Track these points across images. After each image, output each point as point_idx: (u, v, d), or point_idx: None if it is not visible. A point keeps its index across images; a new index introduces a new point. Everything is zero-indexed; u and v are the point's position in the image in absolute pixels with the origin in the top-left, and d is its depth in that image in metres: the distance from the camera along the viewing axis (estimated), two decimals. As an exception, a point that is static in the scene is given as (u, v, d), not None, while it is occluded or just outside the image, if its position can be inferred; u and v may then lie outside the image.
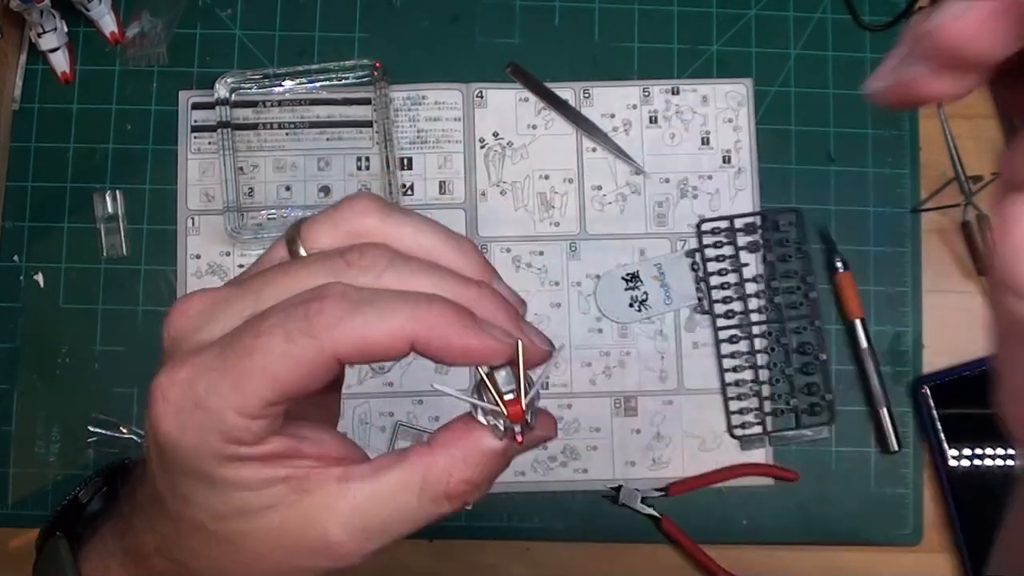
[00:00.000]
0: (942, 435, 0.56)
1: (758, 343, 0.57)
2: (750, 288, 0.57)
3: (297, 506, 0.23)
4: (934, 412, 0.56)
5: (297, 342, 0.21)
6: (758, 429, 0.57)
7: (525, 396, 0.23)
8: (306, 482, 0.23)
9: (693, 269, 0.57)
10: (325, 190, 0.57)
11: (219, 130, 0.56)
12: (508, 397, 0.23)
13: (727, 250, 0.58)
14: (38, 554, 0.32)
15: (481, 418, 0.24)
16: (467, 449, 0.24)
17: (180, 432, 0.22)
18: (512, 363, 0.23)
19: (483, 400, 0.23)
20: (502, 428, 0.24)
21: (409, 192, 0.57)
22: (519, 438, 0.24)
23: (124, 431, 0.56)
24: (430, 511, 0.24)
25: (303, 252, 0.25)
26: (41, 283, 0.57)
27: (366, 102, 0.57)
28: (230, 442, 0.22)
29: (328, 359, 0.22)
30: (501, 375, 0.23)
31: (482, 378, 0.23)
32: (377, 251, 0.23)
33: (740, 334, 0.57)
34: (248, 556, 0.24)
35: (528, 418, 0.24)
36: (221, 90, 0.56)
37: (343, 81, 0.57)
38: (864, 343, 0.57)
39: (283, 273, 0.24)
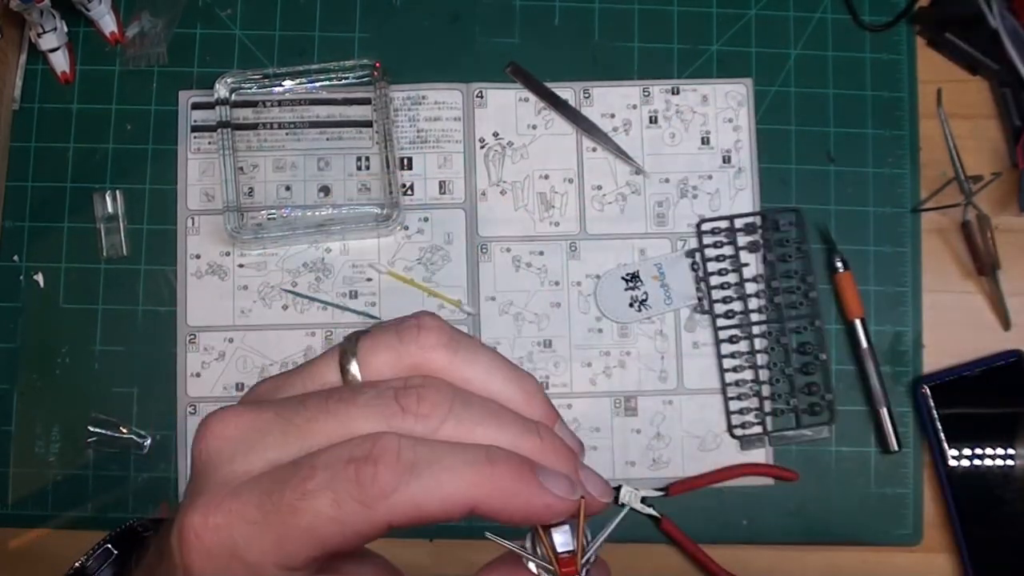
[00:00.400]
0: (942, 435, 0.56)
1: (758, 343, 0.57)
2: (750, 288, 0.57)
3: None
4: (934, 412, 0.56)
5: (346, 508, 0.20)
6: (758, 429, 0.57)
7: (582, 555, 0.23)
8: None
9: (693, 269, 0.57)
10: (325, 190, 0.57)
11: (219, 130, 0.56)
12: (563, 553, 0.23)
13: (727, 250, 0.58)
14: None
15: (534, 568, 0.23)
16: None
17: (201, 563, 0.21)
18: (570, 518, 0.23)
19: (537, 554, 0.23)
20: None
21: (409, 192, 0.57)
22: None
23: (124, 431, 0.56)
24: None
25: (358, 376, 0.23)
26: (41, 283, 0.57)
27: (366, 102, 0.57)
28: None
29: (381, 526, 0.20)
30: (557, 532, 0.23)
31: (537, 533, 0.23)
32: (437, 396, 0.22)
33: (740, 334, 0.57)
34: None
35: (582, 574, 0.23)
36: (221, 90, 0.56)
37: (343, 81, 0.57)
38: (864, 343, 0.57)
39: (332, 413, 0.22)
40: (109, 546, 0.33)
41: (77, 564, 0.32)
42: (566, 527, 0.23)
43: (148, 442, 0.56)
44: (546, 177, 0.58)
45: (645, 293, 0.57)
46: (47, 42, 0.56)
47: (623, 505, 0.25)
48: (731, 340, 0.57)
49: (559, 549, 0.22)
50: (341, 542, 0.20)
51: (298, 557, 0.20)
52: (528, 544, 0.23)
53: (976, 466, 0.56)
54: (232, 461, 0.22)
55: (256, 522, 0.20)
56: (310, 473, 0.20)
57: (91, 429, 0.56)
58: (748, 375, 0.57)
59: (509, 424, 0.22)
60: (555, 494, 0.21)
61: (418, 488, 0.20)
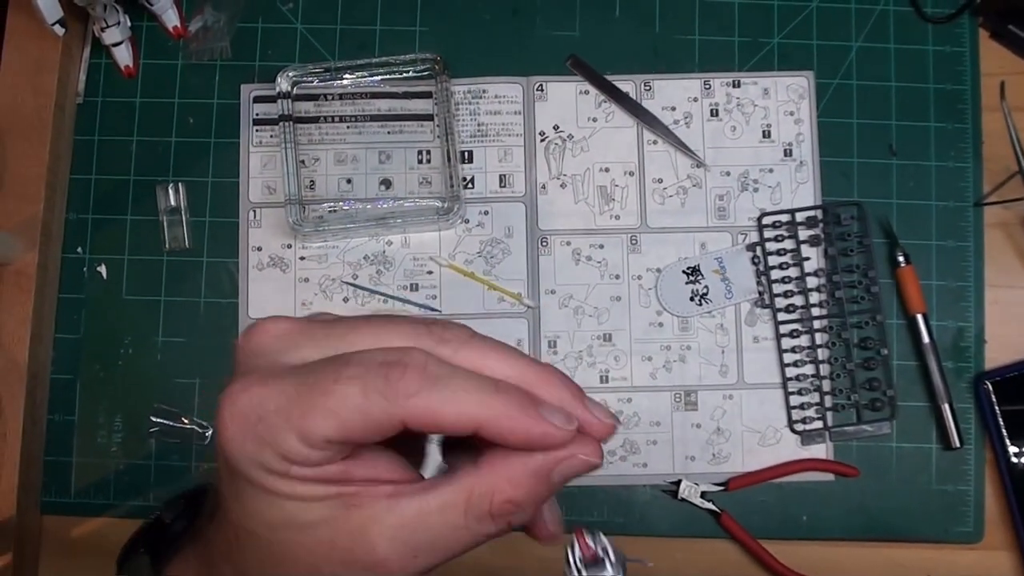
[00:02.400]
0: (1004, 431, 0.56)
1: (819, 338, 0.57)
2: (811, 282, 0.57)
3: (347, 521, 0.24)
4: (996, 408, 0.56)
5: (372, 399, 0.22)
6: (818, 424, 0.56)
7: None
8: (356, 499, 0.24)
9: (754, 263, 0.57)
10: (386, 183, 0.57)
11: (281, 123, 0.56)
12: None
13: (788, 244, 0.57)
14: (119, 570, 0.32)
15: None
16: (512, 470, 0.24)
17: (241, 439, 0.23)
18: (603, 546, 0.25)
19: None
20: None
21: (470, 186, 0.57)
22: None
23: (186, 421, 0.57)
24: (476, 530, 0.24)
25: None
26: (104, 275, 0.58)
27: (427, 95, 0.58)
28: (284, 459, 0.23)
29: (396, 423, 0.23)
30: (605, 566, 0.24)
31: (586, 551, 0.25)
32: (458, 329, 0.25)
33: (801, 328, 0.57)
34: (300, 567, 0.25)
35: None
36: (283, 83, 0.56)
37: (404, 75, 0.57)
38: (926, 338, 0.56)
39: (370, 325, 0.25)
40: (182, 500, 0.34)
41: (154, 517, 0.34)
42: (607, 555, 0.24)
43: (209, 432, 0.57)
44: (606, 170, 0.58)
45: (706, 287, 0.57)
46: (110, 36, 0.57)
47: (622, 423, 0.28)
48: (792, 335, 0.57)
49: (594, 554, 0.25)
50: (358, 429, 0.23)
51: (317, 433, 0.22)
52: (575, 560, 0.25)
53: (1041, 463, 0.55)
54: (277, 353, 0.25)
55: (289, 395, 0.23)
56: (346, 364, 0.23)
57: (153, 419, 0.57)
58: (809, 370, 0.57)
59: (518, 361, 0.25)
60: (552, 423, 0.24)
61: (436, 397, 0.23)
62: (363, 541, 0.24)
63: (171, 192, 0.58)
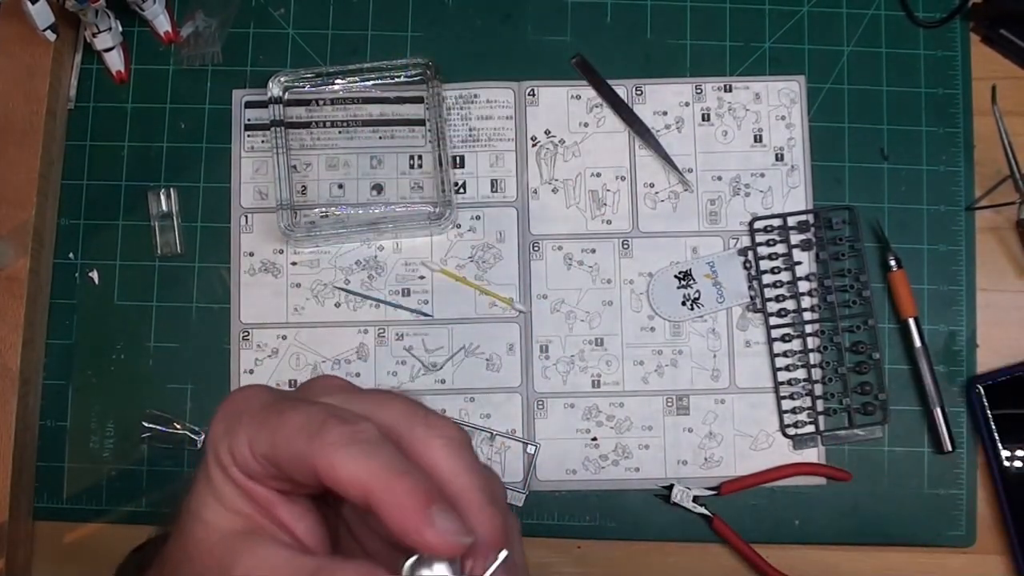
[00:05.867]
0: (996, 435, 0.56)
1: (811, 342, 0.57)
2: (803, 286, 0.57)
3: (233, 541, 0.25)
4: (988, 412, 0.56)
5: (300, 436, 0.24)
6: (810, 428, 0.56)
7: None
8: (258, 530, 0.25)
9: (746, 267, 0.57)
10: (378, 188, 0.57)
11: (272, 128, 0.56)
12: None
13: (780, 248, 0.57)
14: None
15: None
16: (361, 570, 0.23)
17: (219, 423, 0.26)
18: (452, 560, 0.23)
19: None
20: None
21: (461, 190, 0.57)
22: None
23: (178, 427, 0.57)
24: None
25: None
26: (96, 280, 0.58)
27: (419, 100, 0.58)
28: (230, 455, 0.25)
29: (309, 466, 0.23)
30: (440, 565, 0.23)
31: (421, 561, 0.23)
32: (447, 427, 0.26)
33: (793, 333, 0.57)
34: (185, 565, 0.26)
35: None
36: (274, 89, 0.56)
37: (396, 79, 0.57)
38: (918, 342, 0.56)
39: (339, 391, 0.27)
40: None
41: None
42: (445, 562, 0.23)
43: (202, 438, 0.57)
44: (598, 175, 0.58)
45: (698, 291, 0.57)
46: (102, 42, 0.57)
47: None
48: (784, 339, 0.57)
49: None
50: (282, 457, 0.24)
51: (256, 446, 0.24)
52: (407, 570, 0.23)
53: (1033, 467, 0.56)
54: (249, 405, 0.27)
55: (263, 407, 0.25)
56: (310, 404, 0.25)
57: (145, 425, 0.57)
58: (801, 374, 0.57)
59: (465, 463, 0.25)
60: (437, 527, 0.23)
61: (343, 454, 0.23)
62: (229, 558, 0.25)
63: (163, 197, 0.58)
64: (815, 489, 0.56)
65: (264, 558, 0.24)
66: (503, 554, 0.24)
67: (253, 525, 0.26)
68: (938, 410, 0.56)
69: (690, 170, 0.58)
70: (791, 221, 0.57)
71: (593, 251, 0.57)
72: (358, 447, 0.23)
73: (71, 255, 0.58)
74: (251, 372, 0.57)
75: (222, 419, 0.26)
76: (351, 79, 0.57)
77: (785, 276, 0.57)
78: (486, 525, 0.24)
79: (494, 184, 0.58)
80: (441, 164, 0.56)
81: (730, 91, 0.58)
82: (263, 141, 0.58)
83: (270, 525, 0.26)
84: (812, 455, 0.56)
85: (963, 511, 0.56)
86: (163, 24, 0.58)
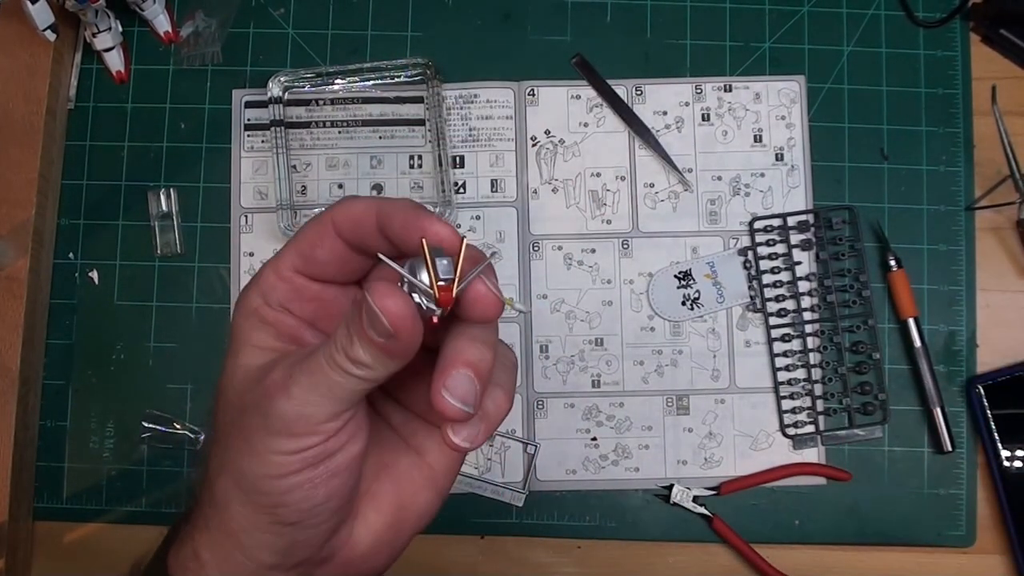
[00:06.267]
0: (996, 435, 0.56)
1: (811, 342, 0.57)
2: (803, 286, 0.57)
3: (271, 363, 0.28)
4: (988, 412, 0.56)
5: (316, 220, 0.28)
6: (810, 428, 0.56)
7: (458, 285, 0.25)
8: (287, 353, 0.28)
9: (745, 267, 0.57)
10: (378, 188, 0.57)
11: (272, 128, 0.56)
12: (442, 281, 0.24)
13: (780, 248, 0.57)
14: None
15: (417, 299, 0.24)
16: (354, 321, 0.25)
17: (247, 289, 0.30)
18: (455, 255, 0.25)
19: (419, 279, 0.24)
20: (425, 307, 0.24)
21: (461, 190, 0.57)
22: (435, 319, 0.25)
23: (178, 427, 0.57)
24: (340, 364, 0.25)
25: None
26: (96, 280, 0.58)
27: (418, 100, 0.58)
28: (261, 295, 0.29)
29: (329, 227, 0.27)
30: (439, 262, 0.25)
31: (426, 259, 0.24)
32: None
33: (793, 333, 0.57)
34: (230, 411, 0.28)
35: (447, 309, 0.25)
36: (274, 89, 0.56)
37: (395, 79, 0.57)
38: (918, 342, 0.56)
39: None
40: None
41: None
42: (446, 260, 0.25)
43: (202, 438, 0.57)
44: (598, 175, 0.58)
45: (698, 291, 0.57)
46: (102, 42, 0.57)
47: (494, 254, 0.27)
48: (784, 339, 0.57)
49: (441, 276, 0.24)
50: (307, 245, 0.28)
51: (284, 263, 0.29)
52: (407, 270, 0.25)
53: (1033, 467, 0.56)
54: None
55: (279, 253, 0.30)
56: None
57: (145, 425, 0.57)
58: (801, 374, 0.57)
59: (488, 344, 0.27)
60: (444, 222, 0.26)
61: (347, 203, 0.28)
62: (270, 374, 0.27)
63: (163, 197, 0.57)
64: (815, 489, 0.56)
65: (294, 363, 0.27)
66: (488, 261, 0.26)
67: (285, 353, 0.28)
68: (938, 410, 0.56)
69: (690, 170, 0.58)
70: (791, 221, 0.57)
71: (593, 251, 0.57)
72: (352, 199, 0.28)
73: (71, 255, 0.58)
74: (251, 372, 0.57)
75: (252, 281, 0.29)
76: (351, 79, 0.57)
77: (785, 276, 0.57)
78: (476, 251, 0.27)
79: (494, 184, 0.58)
80: (441, 164, 0.56)
81: (730, 91, 0.58)
82: (263, 141, 0.58)
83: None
84: (812, 455, 0.56)
85: (963, 511, 0.56)
86: (163, 24, 0.58)
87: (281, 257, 0.29)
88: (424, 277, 0.24)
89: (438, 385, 0.25)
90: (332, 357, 0.25)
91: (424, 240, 0.25)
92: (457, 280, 0.24)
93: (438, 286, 0.24)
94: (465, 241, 0.25)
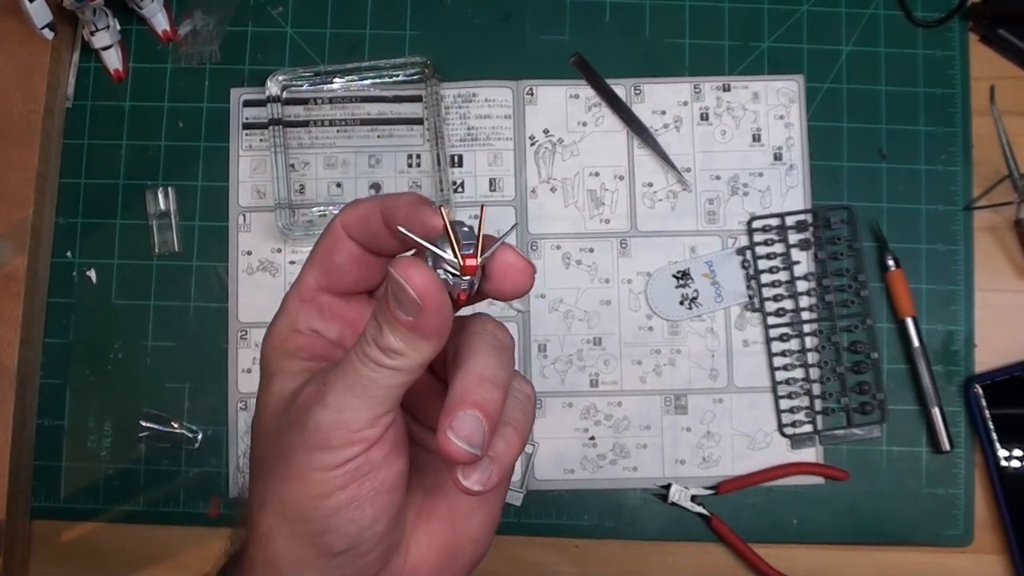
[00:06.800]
0: (994, 435, 0.56)
1: (809, 341, 0.57)
2: (801, 286, 0.57)
3: (305, 383, 0.27)
4: (986, 412, 0.56)
5: (326, 230, 0.28)
6: (808, 428, 0.56)
7: (481, 254, 0.24)
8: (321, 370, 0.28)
9: (744, 267, 0.57)
10: (376, 187, 0.57)
11: (270, 127, 0.56)
12: (466, 252, 0.24)
13: (778, 248, 0.57)
14: None
15: (441, 274, 0.24)
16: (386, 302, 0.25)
17: (270, 326, 0.30)
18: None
19: (445, 251, 0.24)
20: (451, 282, 0.24)
21: (459, 190, 0.57)
22: (462, 295, 0.24)
23: (175, 426, 0.57)
24: (373, 357, 0.25)
25: None
26: (94, 279, 0.58)
27: (417, 99, 0.58)
28: (287, 324, 0.29)
29: (340, 231, 0.28)
30: (464, 230, 0.25)
31: (447, 231, 0.24)
32: (498, 329, 0.29)
33: (791, 332, 0.57)
34: (268, 417, 0.28)
35: (474, 280, 0.24)
36: (272, 87, 0.56)
37: (394, 78, 0.57)
38: (916, 342, 0.56)
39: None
40: None
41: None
42: (467, 228, 0.25)
43: (199, 437, 0.57)
44: (596, 174, 0.58)
45: (696, 291, 0.57)
46: (100, 40, 0.57)
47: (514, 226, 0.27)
48: (782, 338, 0.57)
49: (462, 249, 0.24)
50: (323, 253, 0.29)
51: (305, 284, 0.29)
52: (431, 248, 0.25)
53: (1031, 467, 0.56)
54: None
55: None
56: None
57: (143, 424, 0.56)
58: (799, 374, 0.57)
59: (504, 368, 0.27)
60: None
61: (351, 207, 0.28)
62: (306, 386, 0.27)
63: (160, 196, 0.57)
64: (813, 488, 0.56)
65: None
66: (510, 239, 0.25)
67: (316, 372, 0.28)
68: (936, 410, 0.56)
69: (688, 169, 0.58)
70: (789, 221, 0.57)
71: (591, 250, 0.57)
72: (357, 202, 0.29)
73: (69, 254, 0.58)
74: (249, 371, 0.57)
75: (276, 315, 0.29)
76: (349, 78, 0.57)
77: (783, 276, 0.57)
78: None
79: (492, 183, 0.58)
80: (439, 163, 0.56)
81: (729, 90, 0.58)
82: (261, 140, 0.58)
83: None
84: (810, 454, 0.57)
85: (961, 510, 0.56)
86: (161, 23, 0.58)
87: (300, 280, 0.29)
88: (448, 253, 0.24)
89: (443, 426, 0.24)
90: (364, 352, 0.25)
91: (444, 213, 0.24)
92: (480, 248, 0.24)
93: (462, 255, 0.24)
94: (484, 207, 0.25)
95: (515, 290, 0.26)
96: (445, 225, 0.24)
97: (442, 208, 0.25)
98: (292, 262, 0.57)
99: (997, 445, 0.56)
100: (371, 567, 0.27)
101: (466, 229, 0.24)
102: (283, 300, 0.29)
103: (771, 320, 0.57)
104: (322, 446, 0.25)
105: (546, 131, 0.58)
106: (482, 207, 0.25)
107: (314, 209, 0.57)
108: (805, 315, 0.57)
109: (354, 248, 0.28)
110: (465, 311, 0.27)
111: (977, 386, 0.56)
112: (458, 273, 0.24)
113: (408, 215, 0.25)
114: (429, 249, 0.24)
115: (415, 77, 0.57)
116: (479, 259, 0.24)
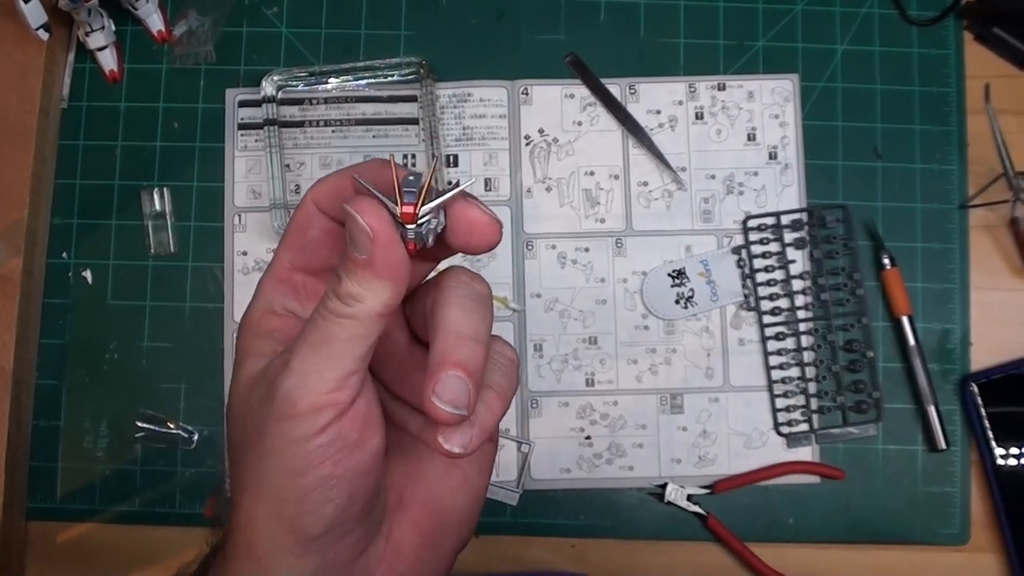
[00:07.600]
0: (990, 433, 0.56)
1: (805, 340, 0.57)
2: (796, 285, 0.57)
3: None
4: (982, 410, 0.56)
5: (298, 208, 0.28)
6: (804, 427, 0.56)
7: (422, 205, 0.25)
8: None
9: (739, 266, 0.57)
10: (371, 187, 0.57)
11: (266, 127, 0.56)
12: (408, 201, 0.25)
13: (773, 247, 0.57)
14: None
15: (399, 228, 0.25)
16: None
17: (245, 310, 0.30)
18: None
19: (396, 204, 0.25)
20: (406, 236, 0.25)
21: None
22: (411, 244, 0.25)
23: (171, 426, 0.57)
24: (332, 309, 0.25)
25: None
26: (89, 280, 0.58)
27: (412, 99, 0.58)
28: (262, 307, 0.29)
29: (311, 206, 0.28)
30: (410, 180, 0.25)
31: (395, 181, 0.25)
32: (477, 281, 0.28)
33: (787, 331, 0.57)
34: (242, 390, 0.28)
35: (423, 231, 0.25)
36: (268, 88, 0.56)
37: (389, 79, 0.57)
38: (912, 340, 0.56)
39: None
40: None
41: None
42: (412, 178, 0.25)
43: (195, 437, 0.57)
44: (592, 174, 0.58)
45: (691, 290, 0.57)
46: (95, 41, 0.57)
47: (460, 183, 0.28)
48: (777, 337, 0.57)
49: (404, 199, 0.25)
50: (295, 231, 0.28)
51: (279, 264, 0.29)
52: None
53: (1026, 465, 0.56)
54: None
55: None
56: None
57: (139, 424, 0.56)
58: (795, 372, 0.57)
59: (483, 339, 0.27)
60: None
61: (323, 179, 0.28)
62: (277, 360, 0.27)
63: (156, 197, 0.57)
64: (809, 487, 0.56)
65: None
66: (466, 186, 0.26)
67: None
68: (932, 408, 0.56)
69: (684, 169, 0.58)
70: (785, 219, 0.57)
71: (587, 250, 0.57)
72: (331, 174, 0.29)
73: (64, 254, 0.58)
74: (245, 371, 0.56)
75: (252, 299, 0.29)
76: (344, 78, 0.57)
77: (779, 274, 0.57)
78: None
79: (488, 183, 0.58)
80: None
81: (723, 90, 0.58)
82: (256, 140, 0.58)
83: None
84: (806, 453, 0.57)
85: (957, 509, 0.56)
86: (156, 23, 0.58)
87: (275, 261, 0.29)
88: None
89: (428, 391, 0.24)
90: (324, 307, 0.25)
91: (394, 167, 0.25)
92: (421, 198, 0.25)
93: (402, 203, 0.24)
94: (438, 159, 0.26)
95: (480, 244, 0.26)
96: (394, 178, 0.25)
97: (393, 162, 0.26)
98: (287, 262, 0.57)
99: (993, 443, 0.56)
100: (350, 550, 0.26)
101: (413, 179, 0.25)
102: (259, 283, 0.29)
103: (767, 319, 0.57)
104: (291, 414, 0.24)
105: (541, 131, 0.58)
106: (436, 159, 0.26)
107: (309, 209, 0.57)
108: (801, 314, 0.57)
109: (326, 222, 0.28)
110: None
111: (973, 384, 0.56)
112: (400, 220, 0.25)
113: (375, 177, 0.26)
114: (378, 198, 0.25)
115: (410, 77, 0.57)
116: (418, 208, 0.24)
